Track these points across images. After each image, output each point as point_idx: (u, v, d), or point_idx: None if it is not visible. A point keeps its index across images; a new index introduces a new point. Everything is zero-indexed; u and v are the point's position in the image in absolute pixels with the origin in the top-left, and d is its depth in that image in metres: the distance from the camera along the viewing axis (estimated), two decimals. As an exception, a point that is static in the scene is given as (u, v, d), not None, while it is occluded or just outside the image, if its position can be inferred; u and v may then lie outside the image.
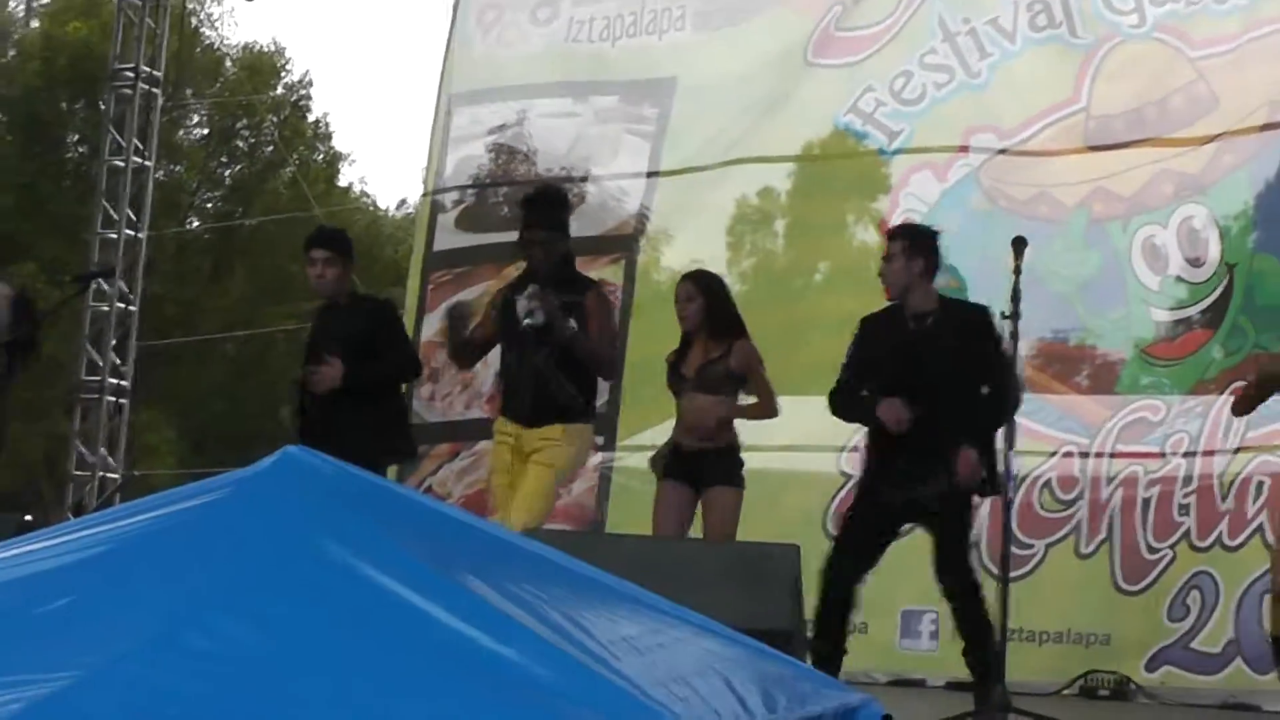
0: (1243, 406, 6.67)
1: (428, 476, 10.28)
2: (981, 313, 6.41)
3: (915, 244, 6.46)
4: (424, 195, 11.41)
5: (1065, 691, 7.97)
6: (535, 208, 7.06)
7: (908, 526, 6.51)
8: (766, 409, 7.05)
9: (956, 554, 6.19)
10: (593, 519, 9.51)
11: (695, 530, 7.02)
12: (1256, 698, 6.82)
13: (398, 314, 7.92)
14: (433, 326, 10.38)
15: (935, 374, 6.18)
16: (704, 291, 7.16)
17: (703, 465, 6.92)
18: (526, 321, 6.59)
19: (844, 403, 6.55)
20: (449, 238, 10.85)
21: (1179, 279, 8.82)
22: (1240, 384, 7.53)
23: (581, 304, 6.76)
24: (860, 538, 6.33)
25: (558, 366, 6.67)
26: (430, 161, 11.20)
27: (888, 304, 6.47)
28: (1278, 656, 6.21)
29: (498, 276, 9.98)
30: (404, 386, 7.96)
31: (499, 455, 6.90)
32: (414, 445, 7.90)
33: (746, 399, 7.08)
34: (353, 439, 6.46)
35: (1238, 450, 8.14)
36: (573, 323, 6.66)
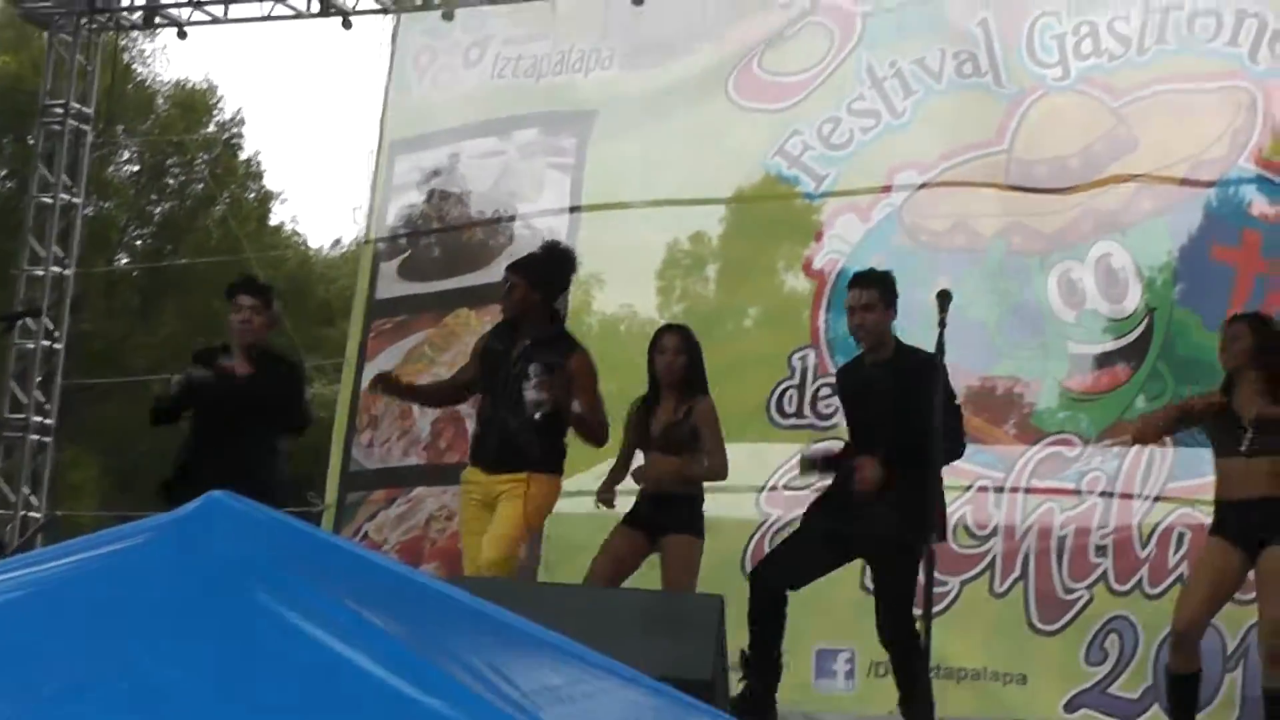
0: (1151, 433, 6.76)
1: (364, 523, 10.26)
2: (932, 360, 6.51)
3: (890, 291, 6.57)
4: (366, 243, 11.43)
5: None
6: (526, 259, 7.16)
7: (853, 565, 6.57)
8: (717, 470, 7.10)
9: (898, 602, 6.24)
10: (525, 565, 9.50)
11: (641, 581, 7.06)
12: None
13: (301, 377, 7.94)
14: (372, 375, 10.38)
15: (890, 417, 6.25)
16: (688, 348, 7.24)
17: (666, 512, 6.96)
18: (537, 414, 6.61)
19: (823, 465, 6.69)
20: (391, 286, 10.88)
21: (1097, 314, 8.92)
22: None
23: (563, 367, 6.79)
24: (798, 550, 6.38)
25: (531, 421, 6.70)
26: (372, 209, 11.22)
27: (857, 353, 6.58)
28: (1171, 693, 6.30)
29: (437, 325, 10.00)
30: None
31: (468, 510, 6.90)
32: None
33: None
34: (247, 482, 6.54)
35: (1157, 499, 8.23)
36: (576, 405, 6.71)
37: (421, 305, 10.54)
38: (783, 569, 6.43)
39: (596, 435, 7.09)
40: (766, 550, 7.53)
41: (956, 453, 6.42)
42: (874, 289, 6.62)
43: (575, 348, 7.09)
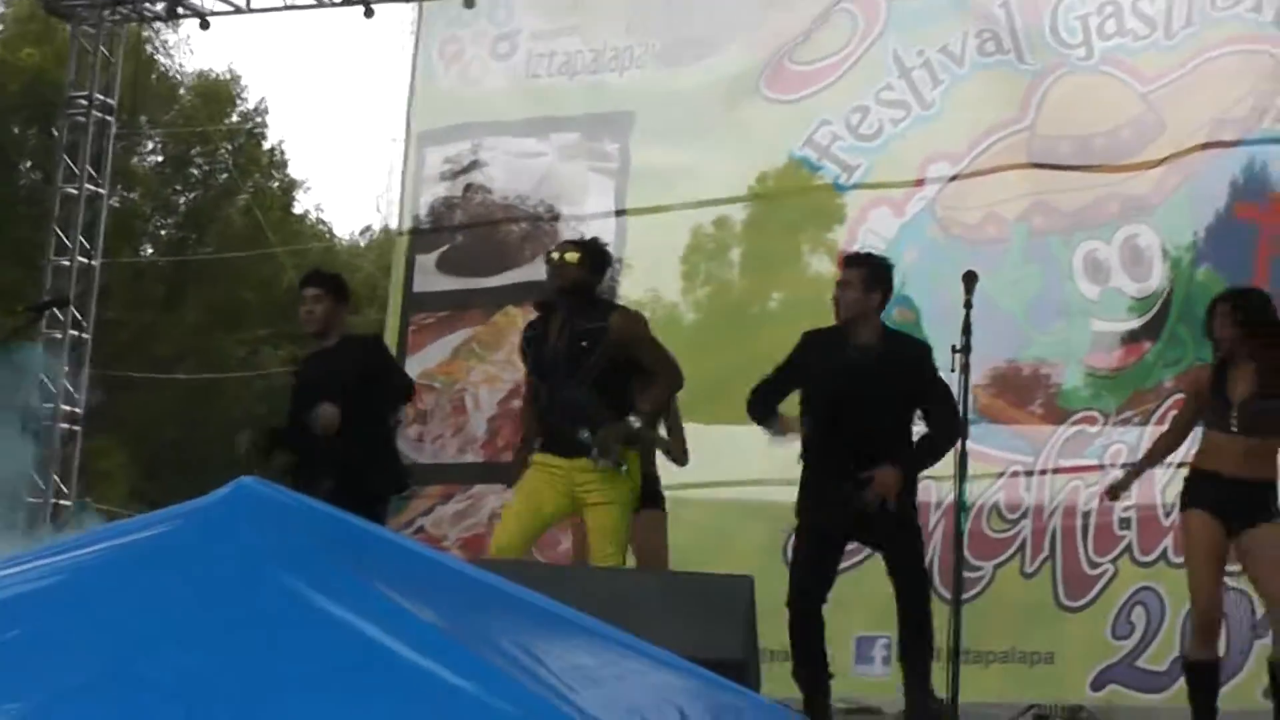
0: (1176, 445, 6.72)
1: (419, 516, 10.26)
2: (923, 348, 6.48)
3: (875, 275, 6.50)
4: (399, 234, 11.39)
5: (1019, 719, 8.01)
6: (581, 240, 7.09)
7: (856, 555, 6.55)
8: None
9: (907, 563, 6.24)
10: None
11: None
12: None
13: (384, 346, 8.03)
14: (416, 368, 10.38)
15: (871, 405, 6.21)
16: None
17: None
18: (601, 462, 6.48)
19: (760, 407, 6.56)
20: (430, 279, 10.84)
21: (1120, 292, 8.88)
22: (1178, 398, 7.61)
23: (605, 327, 6.67)
24: (811, 568, 6.35)
25: (594, 393, 6.58)
26: (403, 200, 11.19)
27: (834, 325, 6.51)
28: (1193, 680, 6.26)
29: (485, 323, 10.02)
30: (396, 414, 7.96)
31: (534, 477, 6.71)
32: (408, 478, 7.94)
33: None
34: (359, 476, 6.63)
35: (1180, 465, 8.19)
36: (635, 421, 6.57)
37: (466, 301, 10.53)
38: (812, 595, 6.37)
39: (670, 384, 6.91)
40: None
41: (954, 437, 6.32)
42: (857, 268, 6.57)
43: (614, 308, 6.98)
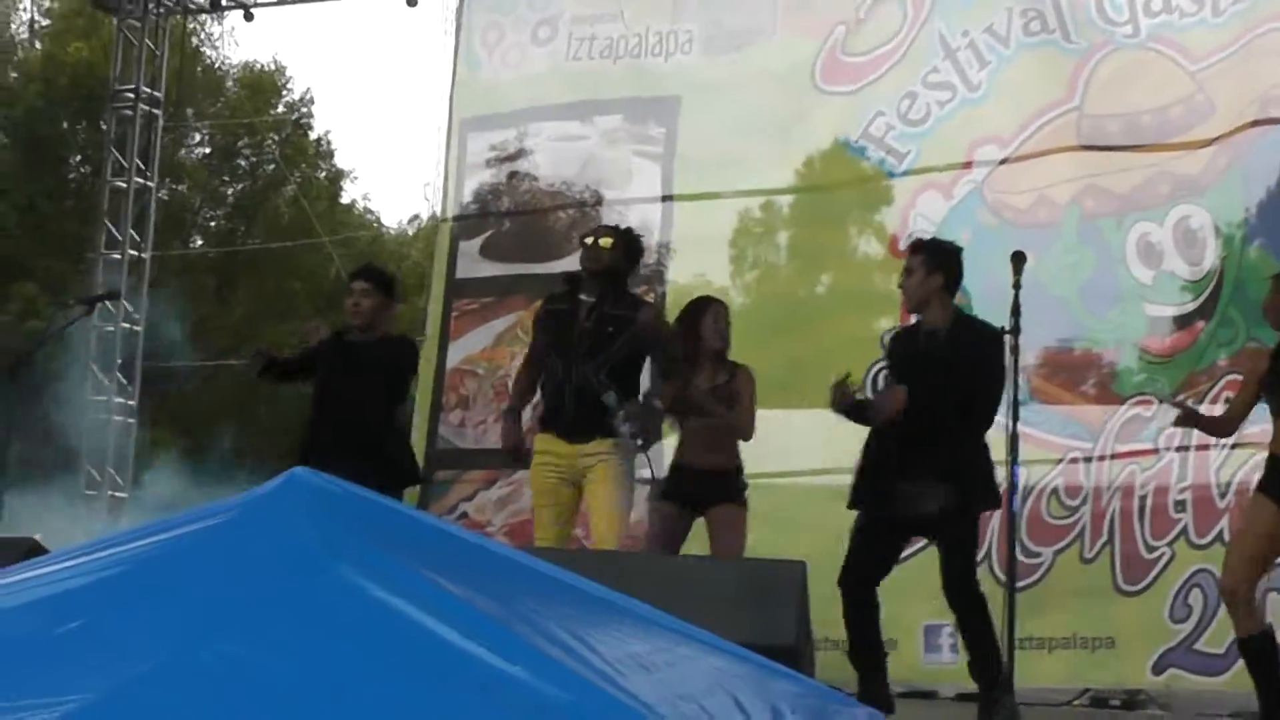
0: (1232, 428, 6.65)
1: (462, 502, 10.30)
2: (994, 334, 6.43)
3: (935, 259, 6.49)
4: (442, 221, 11.43)
5: (1075, 702, 7.97)
6: (616, 227, 7.13)
7: (919, 542, 6.53)
8: (744, 430, 7.11)
9: (958, 568, 6.20)
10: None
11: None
12: (1205, 703, 6.82)
13: (415, 351, 8.09)
14: (460, 353, 10.42)
15: (939, 389, 6.20)
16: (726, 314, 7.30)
17: (706, 485, 6.95)
18: (627, 428, 6.50)
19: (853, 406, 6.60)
20: (473, 266, 10.88)
21: (1174, 275, 8.83)
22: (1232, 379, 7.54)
23: (634, 319, 6.72)
24: (868, 551, 6.34)
25: (615, 374, 6.61)
26: (446, 188, 11.23)
27: (912, 320, 6.53)
28: (1244, 658, 6.20)
29: (528, 309, 10.05)
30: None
31: (541, 478, 6.81)
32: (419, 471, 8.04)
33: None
34: (368, 463, 6.67)
35: (1234, 446, 8.13)
36: (657, 401, 6.64)
37: (509, 287, 10.55)
38: (862, 576, 6.37)
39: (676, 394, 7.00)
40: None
41: (986, 420, 6.31)
42: (919, 254, 6.57)
43: (644, 303, 7.05)
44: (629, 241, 6.93)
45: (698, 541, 7.17)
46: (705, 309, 7.31)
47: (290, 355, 7.74)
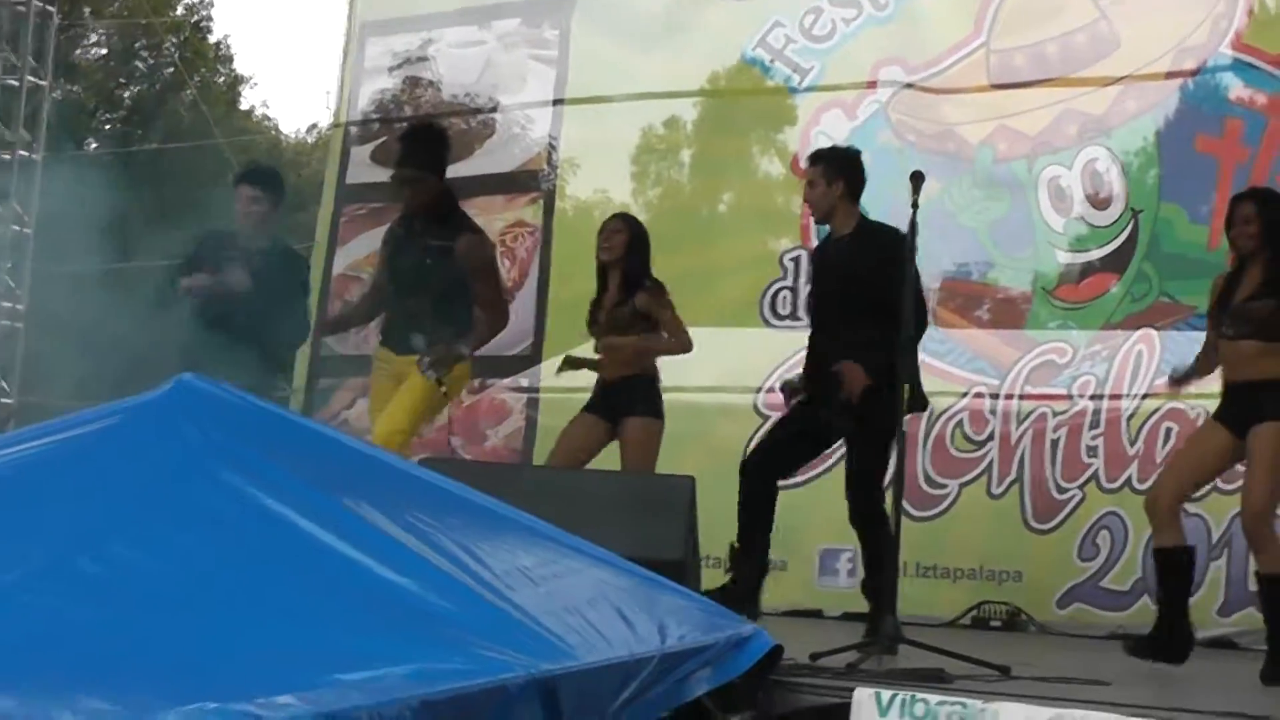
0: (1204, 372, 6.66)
1: (342, 410, 10.22)
2: (893, 234, 6.44)
3: (834, 167, 6.47)
4: (335, 126, 11.28)
5: (960, 622, 8.10)
6: (407, 145, 7.05)
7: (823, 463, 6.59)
8: (681, 345, 7.10)
9: (866, 477, 6.24)
10: (520, 461, 9.50)
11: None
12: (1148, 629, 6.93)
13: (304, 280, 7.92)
14: (346, 259, 10.31)
15: (842, 291, 6.23)
16: (631, 229, 7.23)
17: (622, 395, 6.96)
18: (428, 374, 6.62)
19: None
20: (363, 171, 10.72)
21: (1083, 220, 8.92)
22: None
23: (451, 248, 6.74)
24: (777, 441, 6.38)
25: (434, 309, 6.69)
26: (342, 91, 11.07)
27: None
28: (1157, 570, 6.27)
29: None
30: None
31: (378, 383, 6.93)
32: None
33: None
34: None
35: (1145, 396, 8.27)
36: (463, 349, 6.68)
37: (397, 193, 10.42)
38: (769, 459, 6.40)
39: (493, 325, 7.04)
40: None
41: (922, 326, 6.36)
42: (818, 165, 6.56)
43: (466, 228, 7.00)
44: (413, 150, 6.99)
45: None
46: (608, 220, 7.32)
47: None
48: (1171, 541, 6.10)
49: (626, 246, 7.12)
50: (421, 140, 7.11)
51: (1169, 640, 5.93)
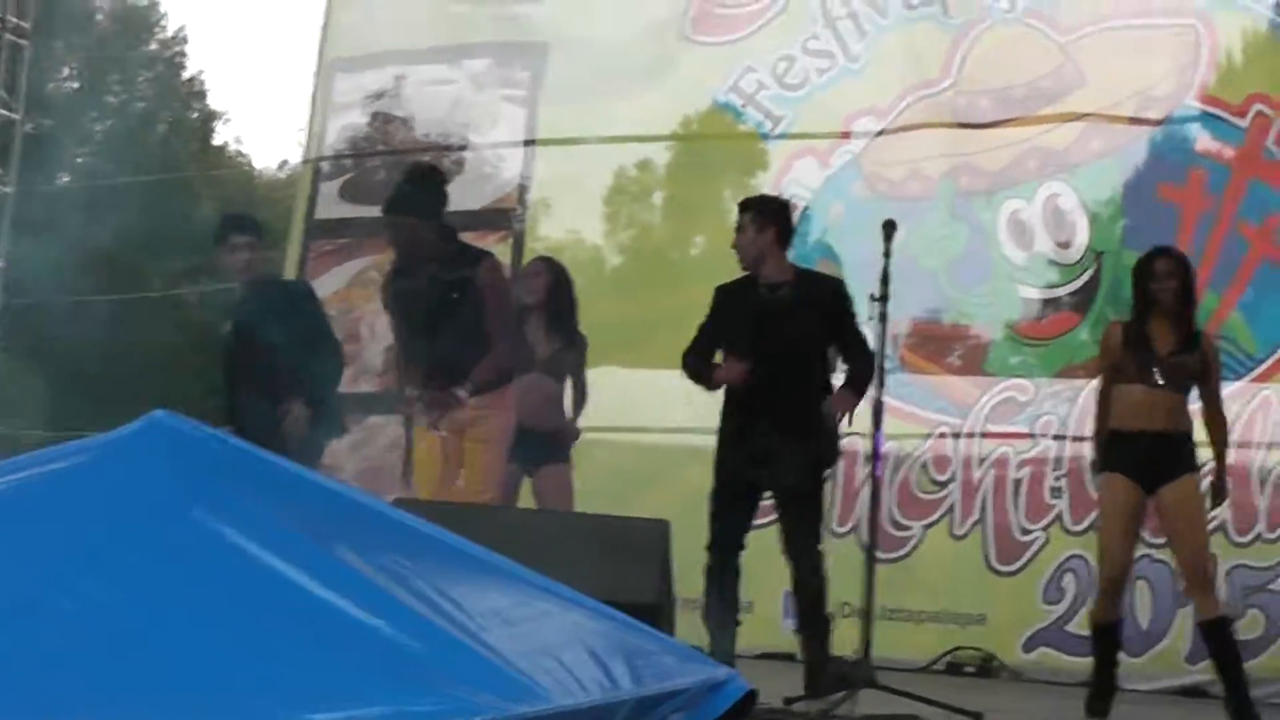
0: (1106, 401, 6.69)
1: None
2: (835, 283, 6.50)
3: (763, 214, 6.48)
4: (305, 161, 11.28)
5: (933, 668, 8.09)
6: (402, 188, 7.07)
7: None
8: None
9: (804, 533, 6.22)
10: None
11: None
12: (1121, 679, 6.93)
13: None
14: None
15: (786, 343, 6.21)
16: (552, 271, 7.32)
17: (534, 444, 7.03)
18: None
19: (693, 364, 6.55)
20: (332, 207, 10.73)
21: (1048, 259, 8.95)
22: None
23: (472, 278, 6.72)
24: (730, 515, 6.35)
25: (470, 343, 6.65)
26: (311, 127, 11.08)
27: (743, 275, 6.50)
28: (1098, 642, 6.27)
29: (383, 251, 9.91)
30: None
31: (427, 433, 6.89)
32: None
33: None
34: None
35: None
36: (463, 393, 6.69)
37: (366, 229, 10.38)
38: (725, 544, 6.37)
39: (505, 354, 7.04)
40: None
41: (869, 371, 6.34)
42: (747, 212, 6.58)
43: (479, 257, 6.99)
44: (401, 198, 6.99)
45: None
46: (529, 263, 7.50)
47: None
48: (1117, 615, 6.16)
49: (548, 290, 7.17)
50: (418, 184, 7.06)
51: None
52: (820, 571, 6.15)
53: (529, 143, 10.28)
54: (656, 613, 4.71)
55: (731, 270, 6.62)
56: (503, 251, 9.84)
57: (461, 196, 9.98)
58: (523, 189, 10.26)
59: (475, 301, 6.73)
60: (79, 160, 28.07)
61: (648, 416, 8.86)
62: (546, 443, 7.10)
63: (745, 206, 6.57)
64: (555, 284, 7.29)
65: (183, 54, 28.40)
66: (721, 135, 9.91)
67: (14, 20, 13.63)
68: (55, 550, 2.71)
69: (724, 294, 6.53)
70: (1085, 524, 8.25)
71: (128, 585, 2.63)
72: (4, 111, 13.62)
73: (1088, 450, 8.20)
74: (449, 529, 3.30)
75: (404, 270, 6.90)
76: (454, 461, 6.90)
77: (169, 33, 28.20)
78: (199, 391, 7.30)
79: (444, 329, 6.69)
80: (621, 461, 8.83)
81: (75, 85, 28.01)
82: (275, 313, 6.83)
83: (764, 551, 6.41)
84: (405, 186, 7.09)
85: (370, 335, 10.11)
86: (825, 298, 6.35)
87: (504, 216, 10.19)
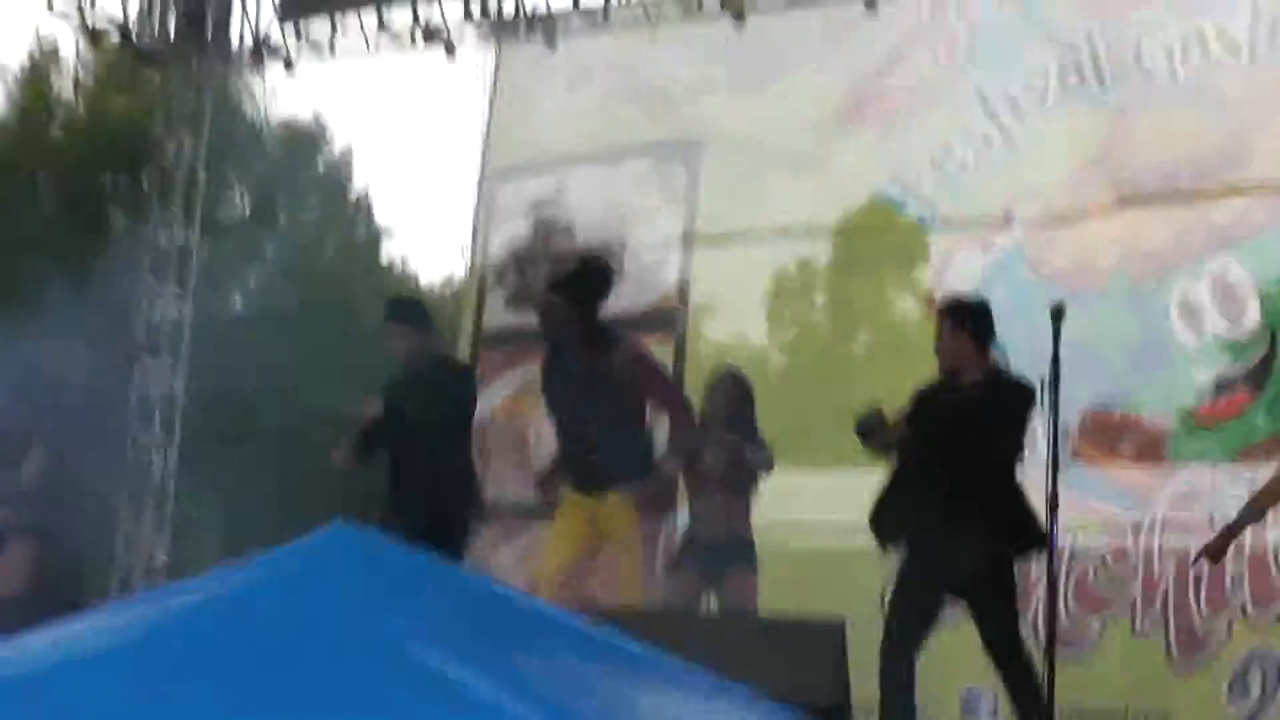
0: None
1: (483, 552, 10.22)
2: (1024, 391, 6.42)
3: (960, 320, 6.47)
4: (470, 272, 11.44)
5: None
6: (564, 275, 7.13)
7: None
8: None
9: (999, 625, 6.13)
10: None
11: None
12: None
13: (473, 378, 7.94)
14: (486, 404, 10.39)
15: (967, 447, 6.15)
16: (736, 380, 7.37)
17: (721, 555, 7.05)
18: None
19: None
20: (499, 317, 10.86)
21: (1218, 338, 8.76)
22: None
23: (610, 366, 6.74)
24: (907, 608, 6.27)
25: (607, 436, 6.64)
26: (475, 238, 11.24)
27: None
28: None
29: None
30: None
31: (563, 523, 6.88)
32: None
33: None
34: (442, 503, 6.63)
35: (1294, 514, 8.04)
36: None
37: (533, 337, 10.52)
38: (905, 642, 6.29)
39: (682, 426, 7.03)
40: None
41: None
42: (946, 319, 6.56)
43: (616, 343, 7.00)
44: (561, 284, 7.02)
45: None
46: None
47: None
48: None
49: (728, 399, 7.18)
50: (579, 272, 7.11)
51: None
52: (1023, 657, 6.05)
53: (687, 241, 10.33)
54: (836, 715, 4.65)
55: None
56: (664, 353, 9.89)
57: (622, 298, 10.10)
58: (682, 290, 10.29)
59: (613, 392, 6.73)
60: (252, 285, 28.72)
61: (818, 515, 8.80)
62: (730, 549, 7.10)
63: (943, 314, 6.59)
64: (739, 393, 7.34)
65: (349, 173, 28.99)
66: (880, 225, 9.88)
67: (189, 146, 14.02)
68: (241, 668, 2.72)
69: (921, 395, 6.54)
70: (1269, 615, 8.01)
71: (315, 706, 2.63)
72: (180, 235, 13.98)
73: (1271, 535, 7.98)
74: (627, 633, 3.29)
75: (550, 364, 6.97)
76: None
77: (336, 151, 28.82)
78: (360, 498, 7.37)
79: (584, 420, 6.73)
80: (789, 562, 8.77)
81: (246, 209, 28.73)
82: (426, 393, 6.91)
83: (939, 649, 6.32)
84: (569, 274, 7.14)
85: (537, 442, 10.20)
86: (1008, 402, 6.30)
87: (664, 316, 10.23)
